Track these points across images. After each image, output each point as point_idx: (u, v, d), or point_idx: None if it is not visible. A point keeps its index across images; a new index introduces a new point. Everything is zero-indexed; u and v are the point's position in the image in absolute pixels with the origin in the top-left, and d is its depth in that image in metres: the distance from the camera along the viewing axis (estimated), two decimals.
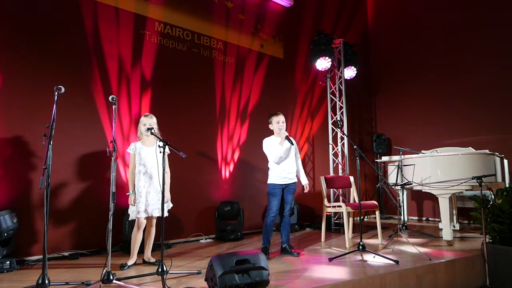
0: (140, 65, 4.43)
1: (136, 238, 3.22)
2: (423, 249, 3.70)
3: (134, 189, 3.19)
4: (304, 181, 3.76)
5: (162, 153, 2.73)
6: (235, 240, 4.52)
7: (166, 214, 3.26)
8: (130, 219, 3.26)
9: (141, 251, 3.37)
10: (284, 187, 3.61)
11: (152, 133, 3.06)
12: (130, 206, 3.21)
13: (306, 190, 3.77)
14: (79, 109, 3.91)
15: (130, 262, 3.19)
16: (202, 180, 4.81)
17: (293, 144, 3.58)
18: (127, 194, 3.20)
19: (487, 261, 3.15)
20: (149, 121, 3.30)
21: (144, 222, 3.22)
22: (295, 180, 3.69)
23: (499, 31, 5.58)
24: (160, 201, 3.24)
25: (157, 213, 3.22)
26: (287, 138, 3.54)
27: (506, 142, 5.38)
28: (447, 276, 3.19)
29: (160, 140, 2.77)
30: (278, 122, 3.64)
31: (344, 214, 4.04)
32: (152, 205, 3.20)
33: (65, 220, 3.71)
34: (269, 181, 3.63)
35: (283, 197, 3.63)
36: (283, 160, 3.59)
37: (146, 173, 3.22)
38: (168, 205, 3.36)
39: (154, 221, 3.33)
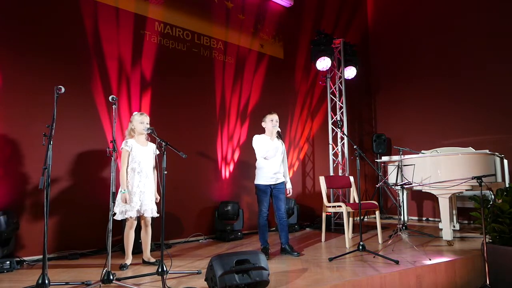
0: (140, 65, 4.43)
1: (129, 238, 3.20)
2: (423, 249, 3.70)
3: (127, 188, 3.12)
4: (288, 184, 3.77)
5: (163, 153, 2.73)
6: (235, 240, 4.52)
7: (156, 214, 3.25)
8: (117, 218, 3.06)
9: (140, 251, 3.37)
10: (273, 187, 3.62)
11: (152, 134, 3.04)
12: (118, 204, 3.09)
13: (289, 194, 3.79)
14: (79, 109, 3.91)
15: (128, 262, 3.18)
16: (202, 180, 4.81)
17: (280, 138, 3.66)
18: (120, 192, 3.10)
19: (487, 261, 3.15)
20: (146, 119, 3.26)
21: (135, 221, 3.20)
22: (283, 179, 3.70)
23: (500, 32, 5.58)
24: (153, 201, 3.25)
25: (149, 213, 3.20)
26: (278, 133, 3.60)
27: (506, 142, 5.37)
28: (447, 276, 3.19)
29: (161, 140, 2.76)
30: (272, 120, 3.67)
31: (344, 214, 4.04)
32: (145, 205, 3.18)
33: (65, 220, 3.71)
34: (256, 182, 3.64)
35: (272, 196, 3.63)
36: (271, 157, 3.61)
37: (141, 172, 3.19)
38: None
39: (149, 220, 3.28)
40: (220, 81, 5.17)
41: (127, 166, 3.18)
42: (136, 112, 3.35)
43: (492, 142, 5.44)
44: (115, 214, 3.12)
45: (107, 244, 2.58)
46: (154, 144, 3.30)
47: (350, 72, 6.24)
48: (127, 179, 3.15)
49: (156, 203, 3.29)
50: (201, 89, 4.96)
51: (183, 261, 3.43)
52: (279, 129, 3.64)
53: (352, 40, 6.69)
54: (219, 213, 4.64)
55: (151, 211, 3.21)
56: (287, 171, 3.81)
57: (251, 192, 5.20)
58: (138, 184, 3.16)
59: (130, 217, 3.13)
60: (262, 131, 3.78)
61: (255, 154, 3.70)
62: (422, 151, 5.12)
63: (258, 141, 3.67)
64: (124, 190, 3.10)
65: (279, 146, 3.69)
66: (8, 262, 3.07)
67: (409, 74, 6.80)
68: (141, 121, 3.24)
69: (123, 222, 3.75)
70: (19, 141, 3.55)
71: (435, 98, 6.33)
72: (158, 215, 3.23)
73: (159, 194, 3.25)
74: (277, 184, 3.63)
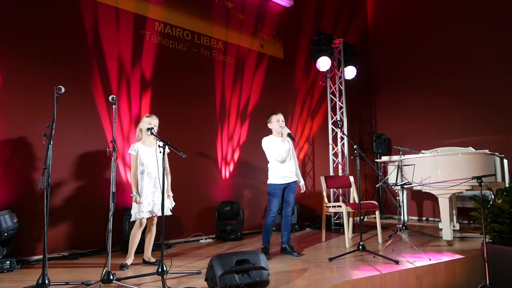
0: (140, 65, 4.43)
1: (135, 238, 3.22)
2: (423, 249, 3.70)
3: (138, 190, 3.18)
4: (301, 181, 3.77)
5: (162, 153, 2.73)
6: (235, 240, 4.52)
7: (170, 213, 3.30)
8: (132, 219, 3.23)
9: (141, 251, 3.37)
10: (285, 187, 3.61)
11: (152, 133, 3.07)
12: (133, 206, 3.18)
13: (302, 190, 3.80)
14: (79, 109, 3.91)
15: (128, 262, 3.19)
16: (202, 180, 4.81)
17: (294, 140, 3.61)
18: (132, 195, 3.18)
19: (487, 261, 3.15)
20: (154, 121, 3.30)
21: (145, 222, 3.23)
22: (295, 179, 3.69)
23: (500, 31, 5.58)
24: (167, 199, 3.27)
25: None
26: (289, 135, 3.56)
27: (506, 142, 5.37)
28: (447, 276, 3.19)
29: (160, 140, 2.77)
30: (278, 121, 3.64)
31: (344, 214, 4.04)
32: (158, 204, 3.20)
33: (65, 220, 3.71)
34: (269, 181, 3.63)
35: (283, 196, 3.63)
36: (286, 159, 3.59)
37: (150, 173, 3.22)
38: (171, 202, 3.37)
39: (156, 220, 3.34)
40: (220, 81, 5.17)
41: (137, 169, 3.24)
42: (147, 114, 3.41)
43: (492, 142, 5.44)
44: (129, 215, 3.26)
45: (107, 244, 2.58)
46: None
47: (350, 72, 6.24)
48: (138, 182, 3.23)
49: (170, 199, 3.36)
50: (201, 89, 4.96)
51: (183, 261, 3.43)
52: (289, 131, 3.59)
53: (352, 40, 6.69)
54: (219, 213, 4.64)
55: (165, 209, 3.22)
56: (298, 169, 3.79)
57: (252, 192, 5.21)
58: (148, 185, 3.20)
59: (143, 217, 3.16)
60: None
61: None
62: (422, 151, 5.13)
63: (269, 144, 3.63)
64: (135, 193, 3.16)
65: (289, 146, 3.66)
66: (8, 262, 3.07)
67: (409, 74, 6.80)
68: (148, 122, 3.27)
69: (124, 223, 3.77)
70: (19, 141, 3.55)
71: (435, 98, 6.32)
72: (171, 213, 3.30)
73: (170, 192, 3.36)
74: (290, 183, 3.63)
